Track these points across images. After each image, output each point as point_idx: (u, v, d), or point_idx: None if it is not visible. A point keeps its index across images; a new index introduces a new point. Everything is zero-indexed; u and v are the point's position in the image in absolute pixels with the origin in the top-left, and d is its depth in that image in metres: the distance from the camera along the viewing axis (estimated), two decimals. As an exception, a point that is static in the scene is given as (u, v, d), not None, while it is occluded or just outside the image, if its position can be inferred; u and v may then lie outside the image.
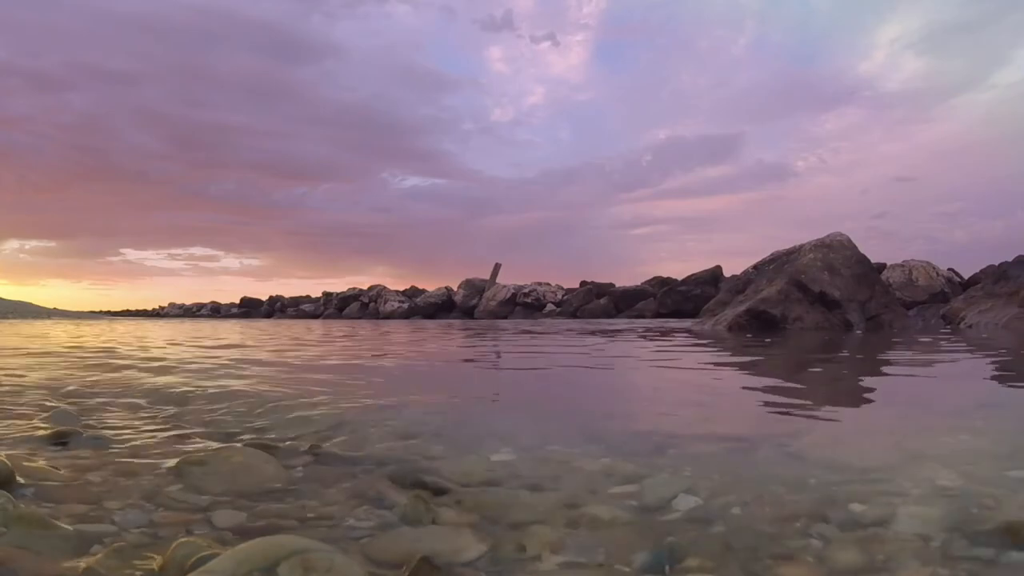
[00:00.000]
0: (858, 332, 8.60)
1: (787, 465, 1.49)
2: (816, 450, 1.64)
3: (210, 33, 68.20)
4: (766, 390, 3.19)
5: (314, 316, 39.88)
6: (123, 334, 10.21)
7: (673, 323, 16.41)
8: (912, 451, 1.61)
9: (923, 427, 2.07)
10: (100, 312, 55.48)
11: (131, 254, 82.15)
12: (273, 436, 1.85)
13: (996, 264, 13.01)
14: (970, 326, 10.37)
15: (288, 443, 1.73)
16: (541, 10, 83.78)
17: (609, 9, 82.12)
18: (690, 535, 1.04)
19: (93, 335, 9.76)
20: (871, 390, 3.21)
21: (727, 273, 27.75)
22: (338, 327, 14.91)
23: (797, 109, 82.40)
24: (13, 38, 62.65)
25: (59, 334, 10.28)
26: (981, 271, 20.80)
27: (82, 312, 47.95)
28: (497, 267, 37.22)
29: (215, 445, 1.71)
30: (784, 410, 2.42)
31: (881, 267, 22.58)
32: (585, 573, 0.94)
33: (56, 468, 1.44)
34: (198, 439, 1.84)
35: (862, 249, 10.79)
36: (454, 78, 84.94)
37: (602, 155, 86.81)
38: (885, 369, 4.24)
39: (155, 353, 5.47)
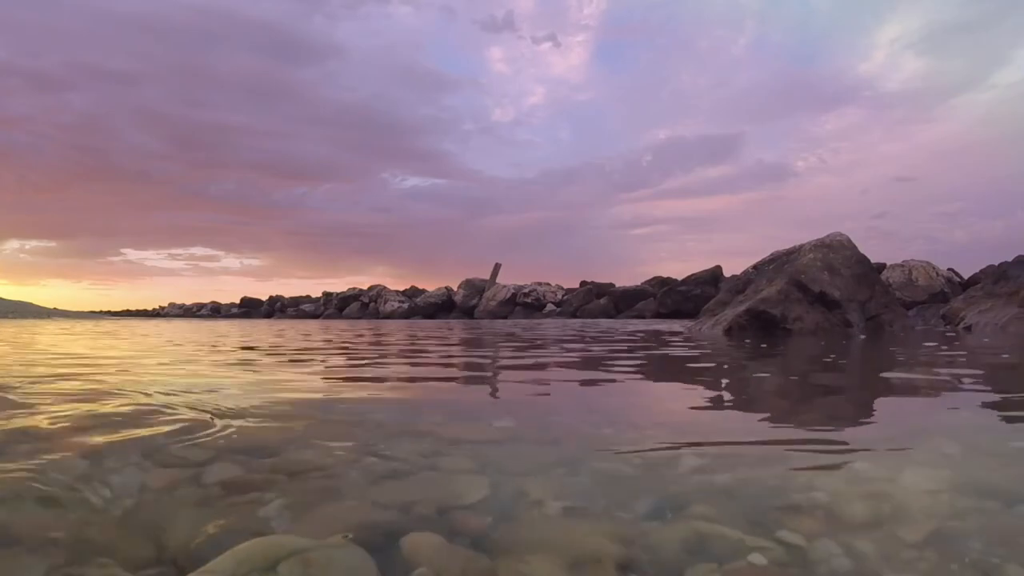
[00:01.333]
0: (862, 337, 8.59)
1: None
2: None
3: (210, 33, 68.34)
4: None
5: (314, 316, 39.90)
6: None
7: (665, 325, 16.38)
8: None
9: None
10: (100, 312, 55.50)
11: (131, 254, 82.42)
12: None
13: (996, 264, 13.03)
14: (970, 326, 10.37)
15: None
16: (542, 11, 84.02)
17: (609, 10, 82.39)
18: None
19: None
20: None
21: (727, 273, 27.82)
22: (338, 327, 14.90)
23: (797, 109, 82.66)
24: (13, 38, 62.84)
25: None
26: (981, 271, 20.83)
27: (82, 312, 47.97)
28: (497, 267, 37.26)
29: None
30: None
31: (881, 267, 22.61)
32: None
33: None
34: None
35: (862, 249, 10.80)
36: (454, 78, 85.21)
37: (602, 155, 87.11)
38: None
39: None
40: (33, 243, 77.87)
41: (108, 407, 2.01)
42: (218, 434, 1.62)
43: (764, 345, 6.31)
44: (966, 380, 3.03)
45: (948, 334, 8.64)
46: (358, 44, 78.21)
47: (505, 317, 31.97)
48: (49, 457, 1.34)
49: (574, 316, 30.50)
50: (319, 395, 2.54)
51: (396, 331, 11.39)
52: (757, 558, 0.87)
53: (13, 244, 73.01)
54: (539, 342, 6.91)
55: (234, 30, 68.92)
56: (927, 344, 6.24)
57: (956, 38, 65.73)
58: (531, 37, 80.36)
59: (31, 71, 62.03)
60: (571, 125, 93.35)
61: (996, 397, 2.59)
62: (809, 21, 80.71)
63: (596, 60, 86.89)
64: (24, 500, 1.09)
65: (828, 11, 79.11)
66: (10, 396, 2.27)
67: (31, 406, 2.04)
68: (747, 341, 7.14)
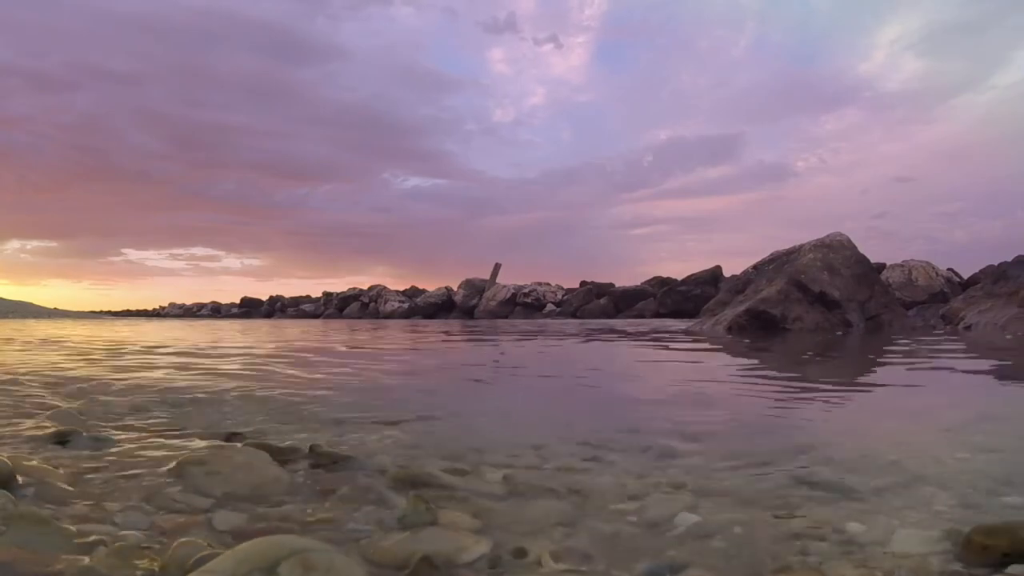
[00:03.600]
0: (844, 333, 8.60)
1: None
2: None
3: (211, 33, 68.24)
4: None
5: (314, 316, 39.88)
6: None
7: (670, 323, 16.40)
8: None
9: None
10: (100, 312, 55.51)
11: (132, 254, 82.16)
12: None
13: (996, 264, 13.01)
14: (969, 326, 10.37)
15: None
16: (543, 12, 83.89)
17: (610, 10, 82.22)
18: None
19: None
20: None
21: (727, 273, 27.76)
22: (337, 327, 14.91)
23: (797, 109, 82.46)
24: (14, 38, 62.71)
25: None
26: (980, 271, 20.80)
27: (82, 312, 47.97)
28: (497, 267, 37.22)
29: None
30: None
31: (881, 267, 22.58)
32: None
33: (57, 468, 1.45)
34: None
35: (862, 249, 10.80)
36: (456, 79, 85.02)
37: (603, 155, 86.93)
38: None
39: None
40: (34, 243, 77.72)
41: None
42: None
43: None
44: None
45: (949, 336, 8.64)
46: (359, 44, 77.96)
47: (505, 317, 31.95)
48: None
49: (574, 316, 30.48)
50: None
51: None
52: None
53: (14, 244, 72.88)
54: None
55: (235, 30, 68.81)
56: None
57: (956, 39, 65.63)
58: (533, 38, 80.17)
59: (32, 71, 61.89)
60: (572, 125, 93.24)
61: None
62: (809, 21, 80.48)
63: (597, 61, 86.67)
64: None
65: (828, 11, 78.82)
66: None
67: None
68: (746, 341, 7.16)
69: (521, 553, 1.01)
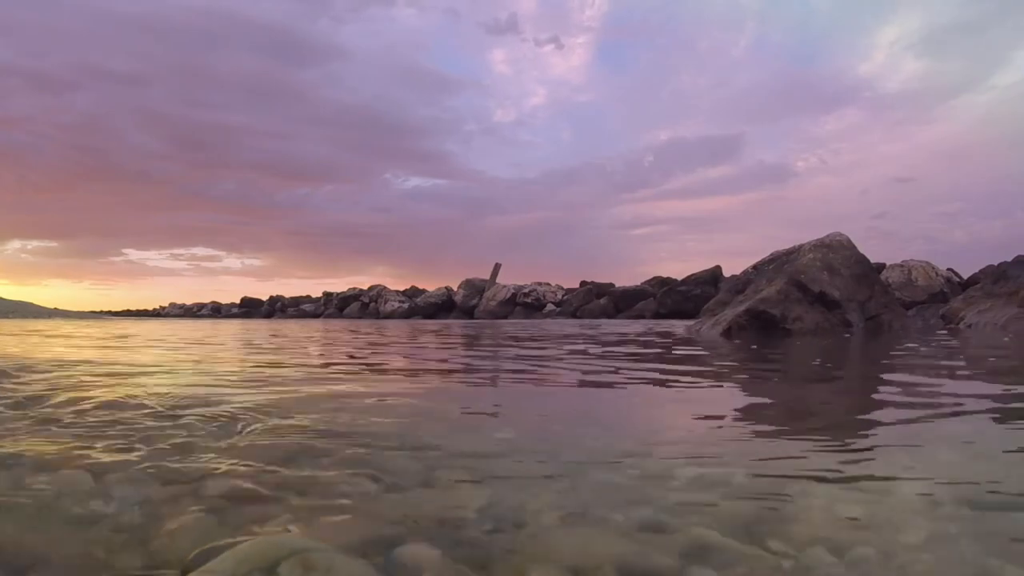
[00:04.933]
0: (846, 336, 8.60)
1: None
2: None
3: (211, 34, 68.23)
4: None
5: (314, 316, 39.90)
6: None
7: (668, 323, 16.39)
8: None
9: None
10: (100, 312, 55.50)
11: (133, 254, 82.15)
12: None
13: (995, 264, 13.04)
14: (969, 326, 10.38)
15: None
16: (544, 12, 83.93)
17: (610, 11, 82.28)
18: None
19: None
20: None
21: (727, 273, 27.81)
22: (337, 328, 14.91)
23: (797, 110, 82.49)
24: (15, 39, 62.68)
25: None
26: (980, 271, 20.84)
27: (83, 312, 47.97)
28: (497, 267, 37.25)
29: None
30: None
31: (881, 267, 22.60)
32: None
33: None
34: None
35: (862, 249, 10.80)
36: (457, 79, 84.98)
37: (603, 155, 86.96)
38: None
39: None
40: (34, 243, 77.73)
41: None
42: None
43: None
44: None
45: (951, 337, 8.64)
46: (361, 45, 77.99)
47: (505, 317, 31.96)
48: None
49: (574, 316, 30.50)
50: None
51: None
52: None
53: (15, 244, 72.89)
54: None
55: (236, 31, 68.81)
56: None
57: (955, 39, 65.64)
58: (534, 39, 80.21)
59: (32, 71, 61.92)
60: (572, 126, 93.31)
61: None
62: (809, 22, 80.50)
63: (597, 61, 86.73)
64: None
65: (828, 12, 78.85)
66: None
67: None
68: (753, 347, 7.14)
69: None
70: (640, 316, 28.32)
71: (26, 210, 70.77)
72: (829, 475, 1.36)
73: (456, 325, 17.44)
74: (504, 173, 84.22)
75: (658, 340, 7.61)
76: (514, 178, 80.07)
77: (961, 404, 2.41)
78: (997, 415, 2.17)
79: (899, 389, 2.86)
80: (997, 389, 2.87)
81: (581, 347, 6.08)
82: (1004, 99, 57.61)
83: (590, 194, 78.87)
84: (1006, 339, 7.03)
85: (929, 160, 68.60)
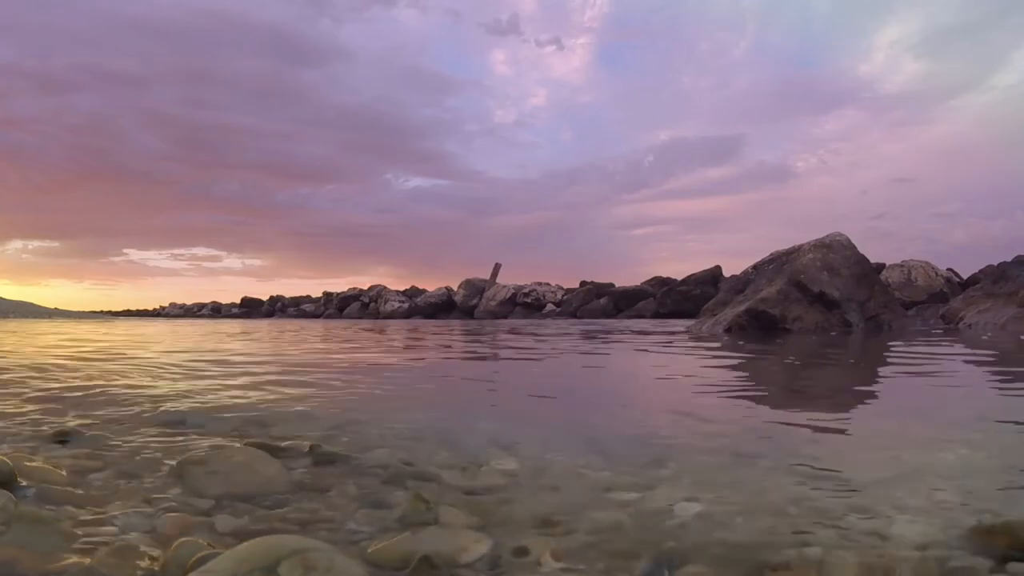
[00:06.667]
0: (846, 333, 8.60)
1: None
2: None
3: (215, 36, 68.32)
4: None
5: (315, 316, 39.87)
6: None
7: (668, 323, 16.40)
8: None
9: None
10: (101, 312, 55.47)
11: (134, 254, 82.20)
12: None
13: (995, 264, 13.03)
14: (969, 326, 10.37)
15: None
16: (545, 13, 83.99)
17: (611, 12, 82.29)
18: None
19: None
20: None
21: (727, 273, 27.77)
22: (337, 329, 14.90)
23: (797, 111, 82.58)
24: (20, 40, 62.73)
25: None
26: (980, 271, 20.82)
27: (83, 312, 47.94)
28: (497, 267, 37.22)
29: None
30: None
31: (880, 267, 22.59)
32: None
33: (58, 468, 1.45)
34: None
35: (861, 249, 10.79)
36: (458, 80, 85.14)
37: (604, 156, 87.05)
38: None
39: None
40: (36, 243, 77.73)
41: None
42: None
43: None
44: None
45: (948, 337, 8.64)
46: (363, 46, 78.10)
47: (505, 317, 31.95)
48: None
49: (574, 316, 30.49)
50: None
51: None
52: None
53: (16, 244, 72.86)
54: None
55: (239, 32, 68.82)
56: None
57: (955, 40, 65.65)
58: (535, 40, 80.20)
59: (37, 72, 61.96)
60: (573, 126, 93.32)
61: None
62: (809, 23, 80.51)
63: (598, 62, 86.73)
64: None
65: (828, 13, 78.84)
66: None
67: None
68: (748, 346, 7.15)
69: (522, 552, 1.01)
70: (640, 316, 28.31)
71: (28, 210, 70.83)
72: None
73: (457, 324, 17.44)
74: (505, 173, 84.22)
75: (658, 330, 7.65)
76: (515, 178, 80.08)
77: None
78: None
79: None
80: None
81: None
82: (1004, 99, 57.68)
83: (590, 194, 78.90)
84: (985, 337, 7.07)
85: (929, 160, 68.64)
